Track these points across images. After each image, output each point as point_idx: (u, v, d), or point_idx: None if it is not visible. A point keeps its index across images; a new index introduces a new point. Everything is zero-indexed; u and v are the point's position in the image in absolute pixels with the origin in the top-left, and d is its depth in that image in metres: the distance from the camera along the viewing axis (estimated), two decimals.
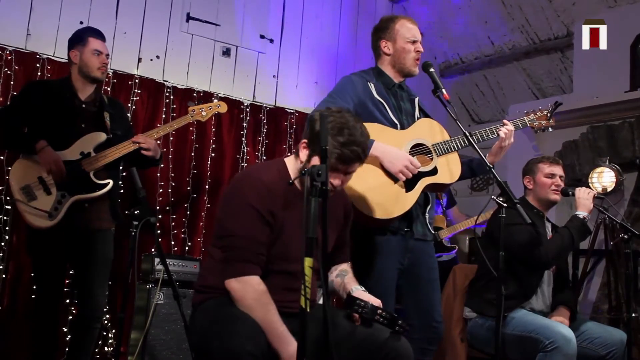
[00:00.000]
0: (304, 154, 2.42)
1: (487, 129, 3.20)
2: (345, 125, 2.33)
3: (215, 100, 4.06)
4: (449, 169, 3.03)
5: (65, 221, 3.43)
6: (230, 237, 2.34)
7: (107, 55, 3.73)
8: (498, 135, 3.16)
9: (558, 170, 3.74)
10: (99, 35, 3.74)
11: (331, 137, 2.27)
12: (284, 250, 2.40)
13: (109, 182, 3.56)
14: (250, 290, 2.27)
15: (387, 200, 2.88)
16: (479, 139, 3.13)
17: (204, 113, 3.99)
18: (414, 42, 3.15)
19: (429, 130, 3.11)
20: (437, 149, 3.02)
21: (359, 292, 2.51)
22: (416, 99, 3.27)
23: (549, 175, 3.71)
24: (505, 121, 3.21)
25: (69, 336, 4.27)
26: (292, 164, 2.50)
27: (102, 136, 3.59)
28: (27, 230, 3.55)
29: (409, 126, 3.09)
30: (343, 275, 2.63)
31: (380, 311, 2.39)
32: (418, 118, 3.20)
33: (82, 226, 3.51)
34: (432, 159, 3.01)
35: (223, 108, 4.10)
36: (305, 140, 2.42)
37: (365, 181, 2.84)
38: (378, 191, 2.87)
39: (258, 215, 2.31)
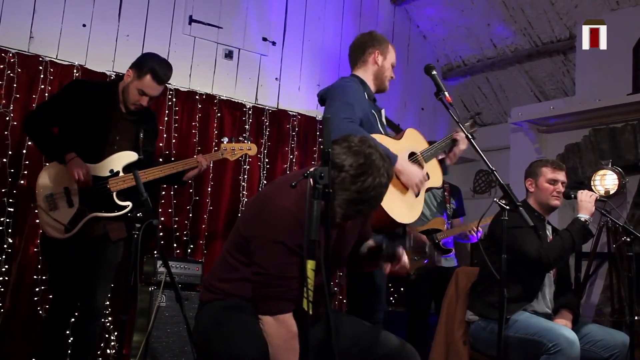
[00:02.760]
0: None
1: (442, 140, 3.50)
2: (358, 179, 2.18)
3: (249, 142, 4.04)
4: (436, 174, 3.28)
5: (80, 230, 3.43)
6: (263, 274, 2.27)
7: (152, 97, 3.55)
8: (455, 140, 3.46)
9: (561, 176, 3.72)
10: (160, 79, 3.52)
11: (337, 186, 2.17)
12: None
13: (128, 205, 3.53)
14: (283, 332, 2.24)
15: (407, 205, 3.05)
16: (435, 151, 3.37)
17: (234, 152, 4.01)
18: (393, 67, 3.42)
19: (416, 139, 3.31)
20: (425, 156, 3.17)
21: None
22: (382, 110, 3.44)
23: (551, 181, 3.69)
24: (457, 129, 3.44)
25: (71, 338, 4.27)
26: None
27: (134, 156, 3.56)
28: (41, 236, 3.56)
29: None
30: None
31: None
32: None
33: (97, 236, 3.51)
34: (423, 166, 3.20)
35: (253, 151, 4.13)
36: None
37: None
38: (400, 197, 3.03)
39: (289, 250, 2.24)
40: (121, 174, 3.51)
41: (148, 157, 3.68)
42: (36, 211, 3.51)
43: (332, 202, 2.18)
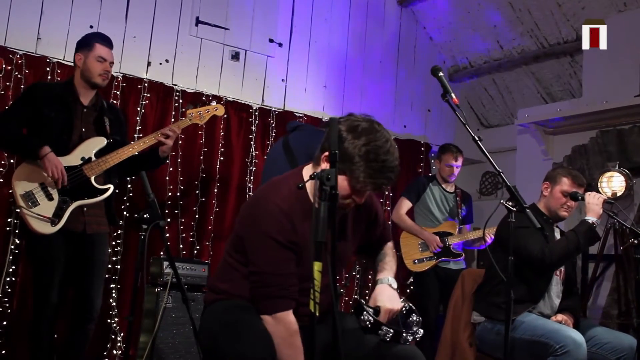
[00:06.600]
0: (325, 166, 2.24)
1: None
2: (381, 149, 2.20)
3: (214, 103, 4.12)
4: None
5: (64, 225, 3.48)
6: (259, 273, 2.28)
7: (111, 63, 3.74)
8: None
9: (579, 192, 3.69)
10: (106, 42, 3.74)
11: (363, 160, 2.18)
12: (303, 270, 2.29)
13: (109, 187, 3.62)
14: (282, 330, 2.25)
15: None
16: None
17: (202, 115, 4.07)
18: None
19: None
20: None
21: (381, 288, 2.51)
22: None
23: (566, 193, 3.67)
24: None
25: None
26: (310, 174, 2.31)
27: (103, 141, 3.65)
28: (27, 236, 3.59)
29: None
30: (379, 260, 2.66)
31: (385, 328, 2.34)
32: None
33: (80, 230, 3.56)
34: None
35: (220, 111, 4.20)
36: (327, 155, 2.21)
37: None
38: None
39: (281, 246, 2.26)
40: (93, 159, 3.58)
41: (118, 145, 3.71)
42: (17, 210, 3.53)
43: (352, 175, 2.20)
